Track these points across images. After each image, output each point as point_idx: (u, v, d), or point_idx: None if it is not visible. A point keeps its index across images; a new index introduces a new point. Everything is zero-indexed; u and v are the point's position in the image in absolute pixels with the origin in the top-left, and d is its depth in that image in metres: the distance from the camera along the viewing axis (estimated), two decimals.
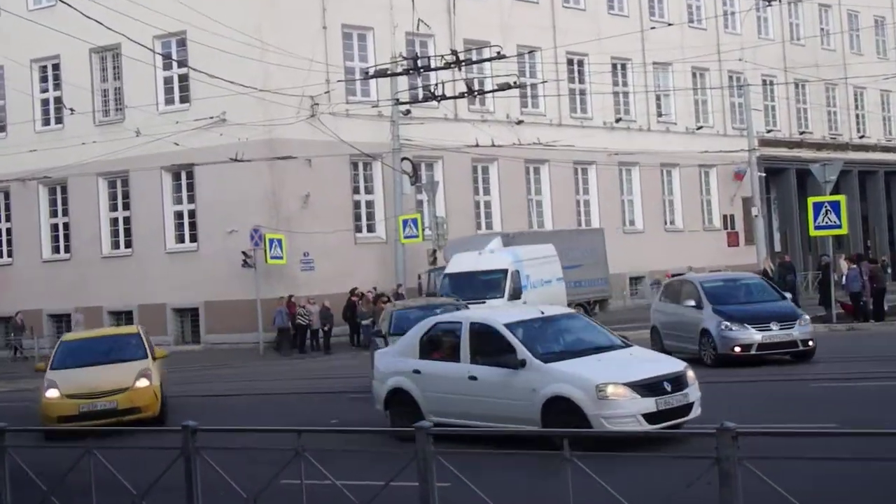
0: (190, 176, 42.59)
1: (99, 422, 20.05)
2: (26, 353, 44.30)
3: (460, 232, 42.72)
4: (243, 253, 39.82)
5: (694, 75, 56.74)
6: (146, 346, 22.10)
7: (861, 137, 66.58)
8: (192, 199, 42.95)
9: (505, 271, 32.89)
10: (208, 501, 9.76)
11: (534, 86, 47.68)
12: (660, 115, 55.26)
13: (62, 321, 45.76)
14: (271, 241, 39.64)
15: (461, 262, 33.55)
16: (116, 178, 44.46)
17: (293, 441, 9.12)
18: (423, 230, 41.18)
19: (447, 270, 33.62)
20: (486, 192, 48.08)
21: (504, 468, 12.13)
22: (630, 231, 53.43)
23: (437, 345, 17.12)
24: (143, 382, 20.90)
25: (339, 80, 41.02)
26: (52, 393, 20.91)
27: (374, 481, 9.23)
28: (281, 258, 39.95)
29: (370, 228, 44.01)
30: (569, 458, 7.96)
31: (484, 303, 29.69)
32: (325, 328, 39.65)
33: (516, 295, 32.06)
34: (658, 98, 54.85)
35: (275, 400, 24.43)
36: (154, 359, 21.91)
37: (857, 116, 67.11)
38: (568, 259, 37.32)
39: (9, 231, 47.73)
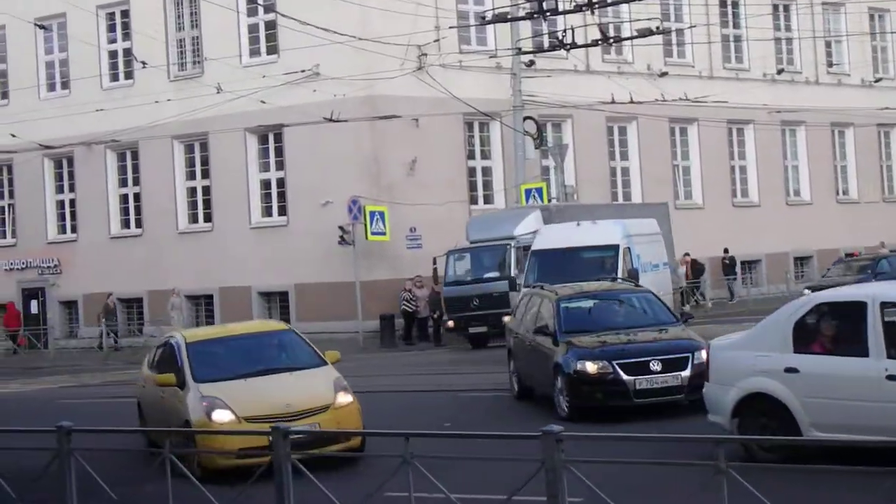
0: (278, 139, 42.43)
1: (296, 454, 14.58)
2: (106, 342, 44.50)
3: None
4: (340, 228, 39.43)
5: (871, 17, 55.56)
6: (313, 348, 18.26)
7: None
8: (280, 166, 42.81)
9: (616, 248, 30.01)
10: None
11: (680, 31, 46.84)
12: (830, 64, 53.95)
13: (133, 306, 46.21)
14: (372, 213, 39.53)
15: (553, 236, 30.84)
16: (194, 141, 44.44)
17: (400, 447, 9.14)
18: (550, 202, 40.10)
19: (536, 247, 30.75)
20: (624, 156, 47.68)
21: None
22: (794, 203, 52.62)
23: (822, 333, 14.52)
24: (345, 398, 16.99)
25: (450, 27, 40.54)
26: (221, 415, 16.40)
27: (495, 495, 9.59)
28: (383, 234, 39.86)
29: (487, 199, 43.65)
30: None
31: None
32: (435, 315, 38.86)
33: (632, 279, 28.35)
34: (828, 45, 53.71)
35: (377, 399, 23.06)
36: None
37: None
38: None
39: (72, 203, 47.73)
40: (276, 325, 21.19)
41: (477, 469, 11.76)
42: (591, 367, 18.62)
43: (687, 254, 43.99)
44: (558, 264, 28.63)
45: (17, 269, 48.34)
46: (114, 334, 45.00)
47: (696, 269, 45.26)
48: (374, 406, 19.98)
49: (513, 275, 33.74)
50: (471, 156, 43.47)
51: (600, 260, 29.61)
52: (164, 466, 10.16)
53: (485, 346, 34.58)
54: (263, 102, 39.82)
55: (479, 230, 36.41)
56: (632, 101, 42.58)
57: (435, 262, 37.34)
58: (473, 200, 43.06)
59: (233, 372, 17.34)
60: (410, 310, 39.26)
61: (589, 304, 21.13)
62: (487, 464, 12.34)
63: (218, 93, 40.35)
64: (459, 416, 19.49)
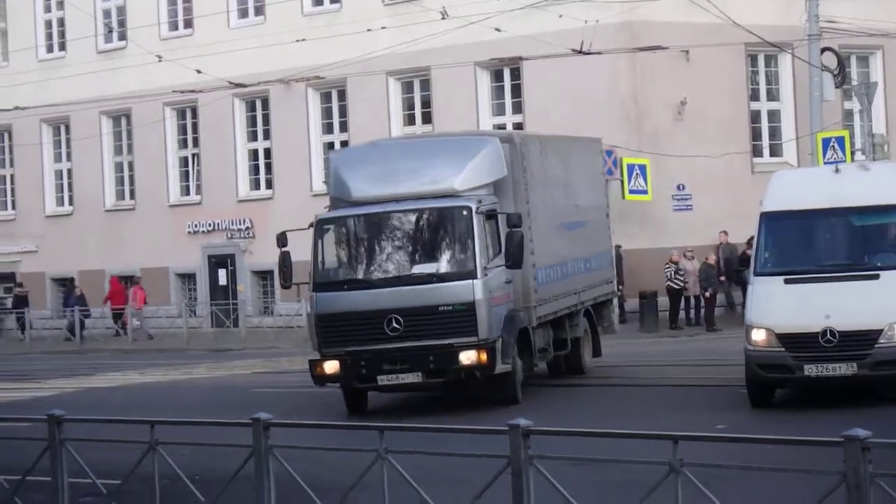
0: (515, 75, 40.51)
1: None
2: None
3: None
4: None
5: None
6: None
7: None
8: (517, 108, 40.91)
9: None
10: None
11: None
12: None
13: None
14: (631, 167, 37.77)
15: (800, 191, 21.07)
16: (413, 77, 42.83)
17: (667, 453, 8.80)
18: (852, 154, 36.91)
19: (767, 208, 20.88)
20: None
21: None
22: None
23: None
24: None
25: None
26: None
27: None
28: (645, 192, 38.07)
29: (774, 151, 40.96)
30: None
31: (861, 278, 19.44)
32: (707, 293, 36.76)
33: None
34: None
35: (629, 393, 24.13)
36: None
37: None
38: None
39: (267, 153, 45.22)
40: None
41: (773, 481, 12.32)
42: None
43: None
44: (813, 234, 20.89)
45: (203, 232, 45.59)
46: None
47: None
48: (637, 401, 22.51)
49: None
50: (754, 96, 41.03)
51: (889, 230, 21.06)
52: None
53: None
54: (498, 30, 37.79)
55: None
56: None
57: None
58: (757, 151, 40.63)
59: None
60: (678, 286, 36.80)
61: None
62: (783, 476, 12.29)
63: (443, 19, 38.36)
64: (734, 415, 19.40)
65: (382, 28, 40.18)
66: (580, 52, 35.71)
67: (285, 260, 20.97)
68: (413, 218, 20.96)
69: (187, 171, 47.26)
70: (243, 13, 45.31)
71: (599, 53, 35.98)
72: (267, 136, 45.02)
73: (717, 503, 8.63)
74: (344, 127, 43.62)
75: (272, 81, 43.15)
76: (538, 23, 37.95)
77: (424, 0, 40.11)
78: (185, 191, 47.08)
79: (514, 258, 20.63)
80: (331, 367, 20.39)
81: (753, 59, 40.63)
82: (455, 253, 20.72)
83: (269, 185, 45.08)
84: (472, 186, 21.26)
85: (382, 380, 20.26)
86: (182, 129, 47.16)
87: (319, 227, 20.94)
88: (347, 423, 17.78)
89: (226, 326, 43.53)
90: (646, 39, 37.49)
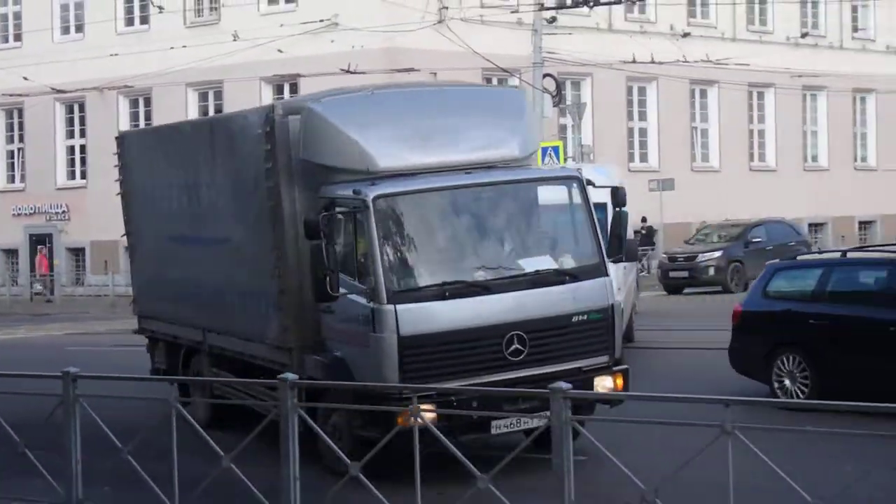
0: (294, 89, 42.27)
1: None
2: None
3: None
4: None
5: None
6: None
7: None
8: None
9: None
10: None
11: None
12: (855, 29, 54.10)
13: None
14: None
15: None
16: (208, 89, 44.71)
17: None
18: (566, 160, 38.75)
19: None
20: (642, 117, 47.92)
21: None
22: (812, 168, 52.83)
23: None
24: None
25: None
26: None
27: None
28: None
29: None
30: None
31: None
32: None
33: None
34: (854, 9, 54.07)
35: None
36: None
37: None
38: None
39: (83, 148, 47.54)
40: None
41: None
42: None
43: None
44: None
45: (26, 214, 48.21)
46: None
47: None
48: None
49: None
50: None
51: None
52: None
53: None
54: (280, 52, 39.94)
55: None
56: (653, 62, 42.24)
57: None
58: None
59: None
60: None
61: None
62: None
63: (234, 40, 40.33)
64: None
65: (184, 46, 41.20)
66: (348, 71, 36.74)
67: (321, 255, 12.77)
68: (510, 194, 14.12)
69: (13, 163, 49.42)
70: (65, 30, 47.50)
71: (364, 73, 36.43)
72: (83, 134, 47.31)
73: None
74: None
75: (88, 89, 44.94)
76: (314, 46, 39.82)
77: (220, 24, 42.34)
78: (12, 179, 49.38)
79: (631, 250, 15.41)
80: (425, 414, 10.66)
81: (489, 81, 41.53)
82: (571, 242, 14.40)
83: (84, 175, 47.24)
84: (531, 153, 15.04)
85: (498, 426, 13.00)
86: (10, 127, 49.30)
87: (378, 206, 13.06)
88: (147, 377, 16.59)
89: (43, 295, 46.00)
90: (403, 63, 38.46)
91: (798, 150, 51.90)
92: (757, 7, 50.61)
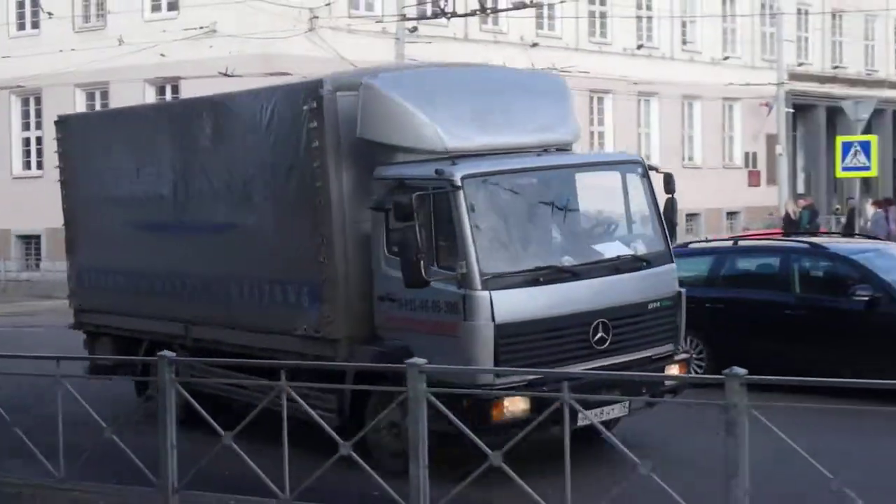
0: (175, 90, 42.43)
1: None
2: None
3: None
4: None
5: (723, 1, 58.23)
6: None
7: None
8: None
9: None
10: None
11: (551, 6, 47.96)
12: (684, 42, 56.47)
13: (31, 242, 46.69)
14: None
15: None
16: (95, 89, 44.97)
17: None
18: None
19: None
20: None
21: None
22: None
23: None
24: None
25: None
26: None
27: None
28: None
29: None
30: None
31: None
32: None
33: None
34: (684, 24, 56.05)
35: None
36: None
37: None
38: None
39: None
40: None
41: None
42: None
43: None
44: None
45: None
46: None
47: None
48: None
49: None
50: None
51: None
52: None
53: None
54: (163, 56, 39.99)
55: None
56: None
57: None
58: None
59: None
60: None
61: None
62: None
63: (120, 45, 40.94)
64: None
65: (73, 50, 41.83)
66: (226, 74, 37.14)
67: (415, 238, 11.88)
68: (586, 178, 13.65)
69: None
70: None
71: (241, 76, 36.04)
72: None
73: None
74: (39, 126, 45.35)
75: None
76: (194, 51, 40.09)
77: (106, 30, 43.07)
78: None
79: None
80: (516, 406, 11.84)
81: None
82: (640, 228, 13.87)
83: None
84: (578, 138, 14.47)
85: (586, 417, 10.50)
86: None
87: (468, 186, 12.17)
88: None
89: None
90: (276, 67, 37.95)
91: (633, 150, 50.25)
92: (598, 21, 52.36)
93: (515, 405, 11.68)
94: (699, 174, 56.10)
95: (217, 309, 14.92)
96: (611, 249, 13.19)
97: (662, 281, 13.35)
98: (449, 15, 35.11)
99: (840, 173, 34.80)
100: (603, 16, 52.97)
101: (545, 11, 48.78)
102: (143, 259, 16.30)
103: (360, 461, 9.45)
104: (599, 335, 12.50)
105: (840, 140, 35.00)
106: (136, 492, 10.85)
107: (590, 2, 52.28)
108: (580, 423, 10.74)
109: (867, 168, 33.47)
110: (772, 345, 16.50)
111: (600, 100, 53.14)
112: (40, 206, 44.80)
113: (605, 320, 12.54)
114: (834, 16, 63.72)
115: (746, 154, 59.56)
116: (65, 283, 18.58)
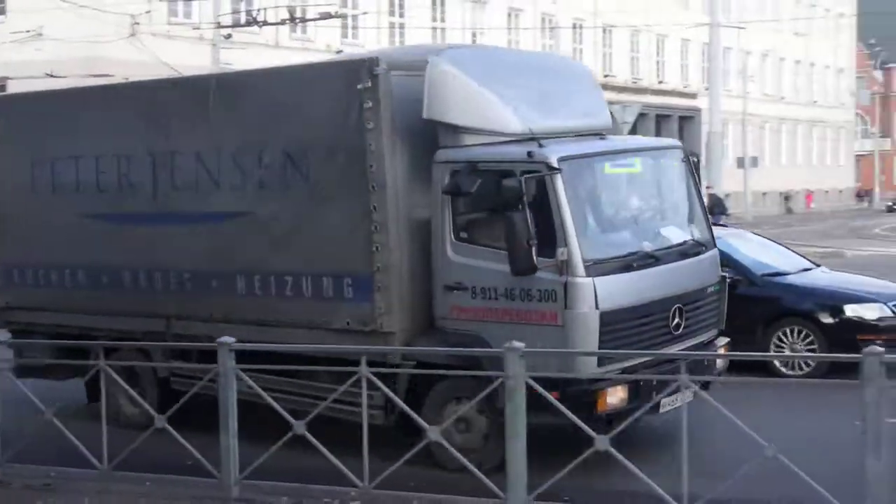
0: (3, 90, 40.07)
1: None
2: None
3: None
4: None
5: (509, 15, 61.04)
6: None
7: (660, 83, 73.17)
8: None
9: None
10: None
11: (355, 17, 50.37)
12: None
13: None
14: None
15: None
16: None
17: None
18: None
19: None
20: None
21: None
22: None
23: None
24: None
25: None
26: None
27: None
28: None
29: None
30: None
31: None
32: None
33: None
34: (474, 35, 57.75)
35: None
36: None
37: (657, 63, 74.01)
38: None
39: None
40: None
41: None
42: None
43: None
44: None
45: None
46: None
47: None
48: None
49: None
50: None
51: None
52: None
53: None
54: None
55: None
56: None
57: None
58: None
59: None
60: None
61: None
62: None
63: None
64: None
65: None
66: (50, 76, 36.65)
67: (525, 223, 11.20)
68: (654, 163, 13.50)
69: None
70: None
71: (65, 77, 35.33)
72: None
73: None
74: None
75: None
76: (22, 54, 40.42)
77: None
78: None
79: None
80: (616, 395, 11.50)
81: None
82: (690, 212, 13.54)
83: None
84: (609, 126, 13.94)
85: (666, 404, 11.51)
86: None
87: (565, 169, 11.57)
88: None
89: None
90: (100, 70, 37.04)
91: None
92: (398, 31, 54.02)
93: (616, 395, 11.25)
94: None
95: (216, 305, 13.39)
96: (675, 234, 12.84)
97: (714, 265, 13.07)
98: (261, 23, 35.64)
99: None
100: (402, 26, 54.83)
101: (349, 21, 50.63)
102: (107, 252, 14.40)
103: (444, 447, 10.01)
104: (676, 320, 12.09)
105: None
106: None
107: (390, 14, 54.59)
108: (664, 409, 11.30)
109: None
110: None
111: None
112: None
113: (681, 305, 12.16)
114: (604, 30, 67.96)
115: None
116: None
